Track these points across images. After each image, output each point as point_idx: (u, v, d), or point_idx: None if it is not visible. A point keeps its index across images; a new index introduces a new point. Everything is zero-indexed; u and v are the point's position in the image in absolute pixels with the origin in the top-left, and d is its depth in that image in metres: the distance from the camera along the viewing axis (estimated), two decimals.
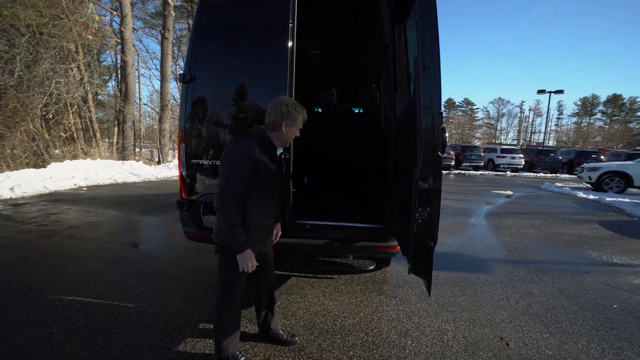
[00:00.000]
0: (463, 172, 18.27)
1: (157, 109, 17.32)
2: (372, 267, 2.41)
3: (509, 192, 10.18)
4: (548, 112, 29.82)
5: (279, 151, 1.78)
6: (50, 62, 11.05)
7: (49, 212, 5.42)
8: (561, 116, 62.79)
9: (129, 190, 8.11)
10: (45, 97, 10.97)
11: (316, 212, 2.83)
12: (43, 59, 10.88)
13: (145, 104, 21.76)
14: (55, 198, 6.64)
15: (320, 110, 3.15)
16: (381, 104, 2.37)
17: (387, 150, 2.32)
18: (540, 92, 28.54)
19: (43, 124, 11.21)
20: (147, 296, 2.70)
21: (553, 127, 60.67)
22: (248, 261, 1.59)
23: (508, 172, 19.30)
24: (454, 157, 19.03)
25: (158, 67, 15.77)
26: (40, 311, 2.41)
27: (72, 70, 11.67)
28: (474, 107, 64.06)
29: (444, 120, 1.72)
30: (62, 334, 2.15)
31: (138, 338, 2.14)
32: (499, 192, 10.36)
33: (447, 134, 1.68)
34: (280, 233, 1.99)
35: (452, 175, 16.53)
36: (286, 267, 3.25)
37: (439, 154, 1.68)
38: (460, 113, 62.55)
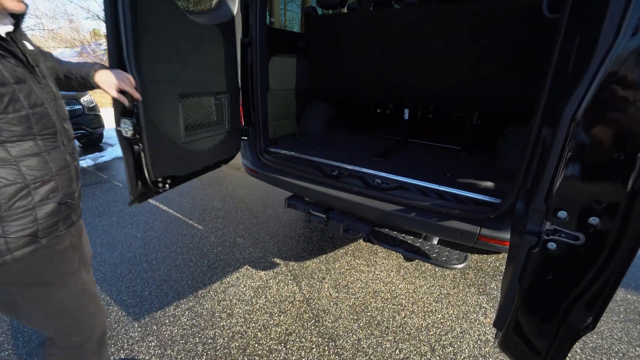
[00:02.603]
0: None
1: None
2: (460, 265, 1.50)
3: None
4: None
5: (7, 29, 0.75)
6: None
7: None
8: None
9: None
10: None
11: (395, 162, 1.98)
12: None
13: None
14: None
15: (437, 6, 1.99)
16: None
17: (544, 64, 1.13)
18: None
19: None
20: (217, 221, 2.73)
21: None
22: None
23: None
24: None
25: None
26: (139, 222, 2.81)
27: None
28: None
29: None
30: (140, 239, 2.42)
31: (187, 263, 2.16)
32: None
33: None
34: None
35: None
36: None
37: None
38: None
